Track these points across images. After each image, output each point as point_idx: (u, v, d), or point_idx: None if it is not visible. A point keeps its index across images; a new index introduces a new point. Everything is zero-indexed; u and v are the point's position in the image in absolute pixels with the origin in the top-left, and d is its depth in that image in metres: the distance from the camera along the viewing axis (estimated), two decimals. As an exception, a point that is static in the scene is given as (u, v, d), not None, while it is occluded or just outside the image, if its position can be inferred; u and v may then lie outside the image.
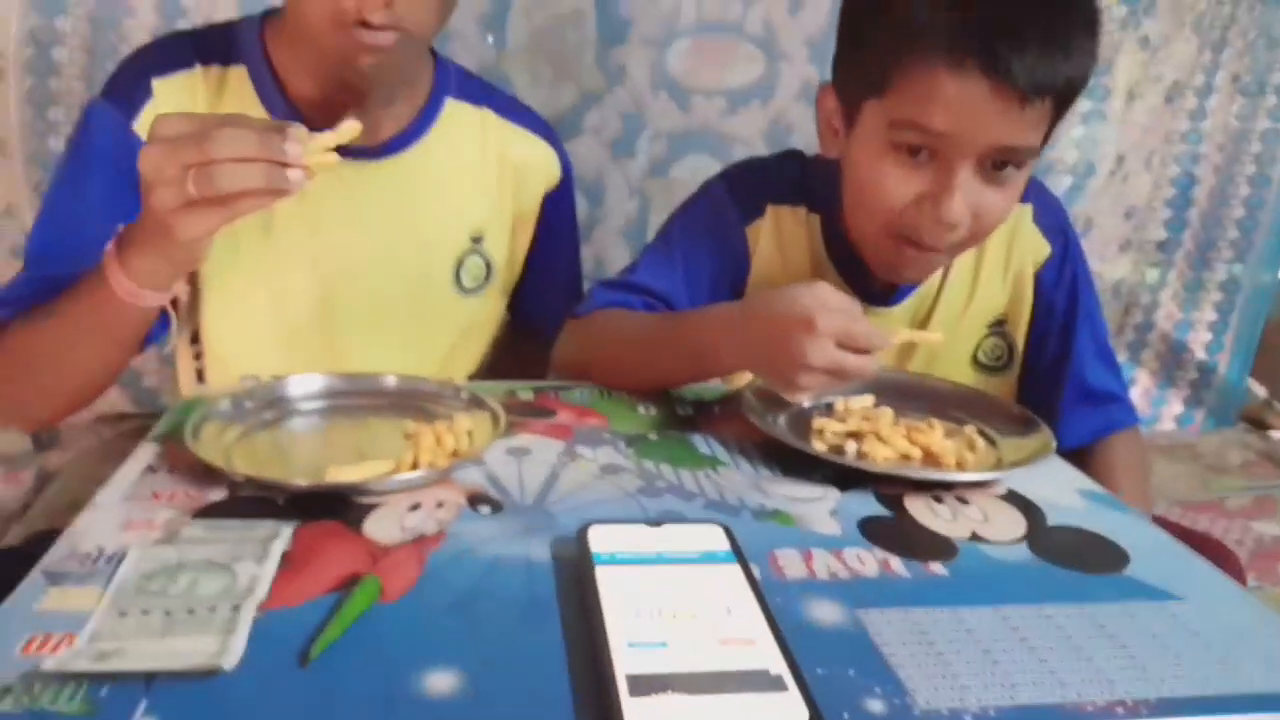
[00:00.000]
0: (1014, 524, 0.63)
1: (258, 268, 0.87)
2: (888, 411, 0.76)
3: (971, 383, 0.95)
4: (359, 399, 0.74)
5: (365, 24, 0.74)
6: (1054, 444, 0.72)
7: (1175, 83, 1.71)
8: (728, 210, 0.94)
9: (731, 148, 1.55)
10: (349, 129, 0.63)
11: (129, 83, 0.83)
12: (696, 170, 1.54)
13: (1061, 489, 0.69)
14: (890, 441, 0.71)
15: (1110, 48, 1.64)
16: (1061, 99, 0.76)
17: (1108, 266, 1.79)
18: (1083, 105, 1.66)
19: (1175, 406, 1.87)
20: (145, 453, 0.65)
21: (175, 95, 0.83)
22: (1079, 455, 0.93)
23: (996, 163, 0.77)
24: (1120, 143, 1.72)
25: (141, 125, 0.82)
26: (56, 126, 1.31)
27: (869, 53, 0.80)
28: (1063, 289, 0.96)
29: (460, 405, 0.72)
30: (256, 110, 0.85)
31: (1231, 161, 1.77)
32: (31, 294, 0.79)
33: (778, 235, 0.93)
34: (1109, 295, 1.80)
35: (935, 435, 0.72)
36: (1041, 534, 0.62)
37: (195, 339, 0.91)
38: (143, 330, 0.77)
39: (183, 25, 1.32)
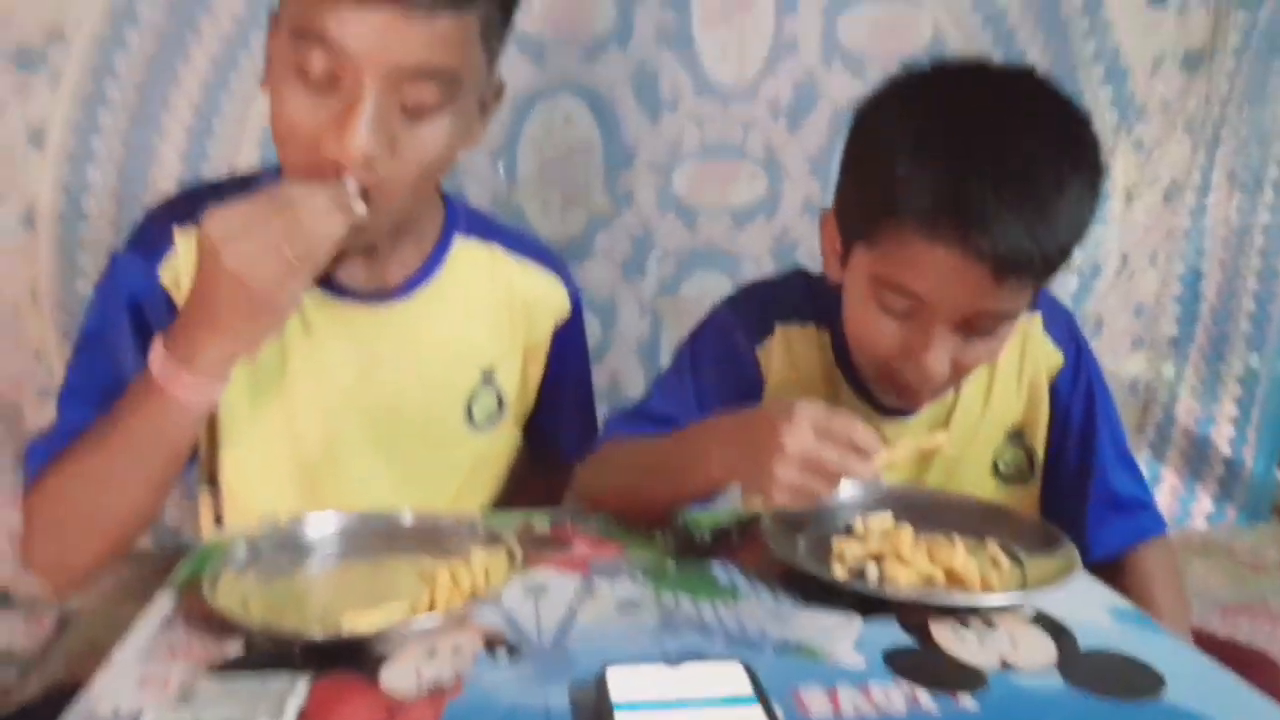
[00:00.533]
0: (1044, 649, 0.61)
1: (272, 412, 0.89)
2: (908, 530, 0.75)
3: (993, 494, 0.95)
4: (375, 538, 0.74)
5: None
6: (1079, 561, 0.71)
7: (1173, 181, 1.75)
8: (736, 335, 0.95)
9: (739, 263, 1.59)
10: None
11: (153, 233, 0.86)
12: (706, 287, 1.57)
13: (1091, 608, 0.68)
14: (912, 562, 0.70)
15: (1105, 151, 1.68)
16: (1047, 267, 0.76)
17: (1122, 364, 1.79)
18: (1083, 207, 1.69)
19: (1205, 504, 1.83)
20: (162, 603, 0.65)
21: (196, 244, 0.86)
22: (1108, 567, 0.91)
23: (974, 325, 0.78)
24: (1123, 242, 1.75)
25: (165, 272, 0.84)
26: (85, 272, 1.35)
27: (858, 202, 0.81)
28: (1079, 396, 0.96)
29: (477, 541, 0.72)
30: None
31: (1236, 256, 1.78)
32: (72, 435, 0.79)
33: (789, 354, 0.94)
34: (1126, 393, 1.79)
35: (957, 553, 0.71)
36: (1073, 659, 0.60)
37: (213, 481, 0.91)
38: (189, 441, 0.78)
39: (207, 174, 1.38)
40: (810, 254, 1.50)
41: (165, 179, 1.37)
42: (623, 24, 1.49)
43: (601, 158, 1.53)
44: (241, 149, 1.40)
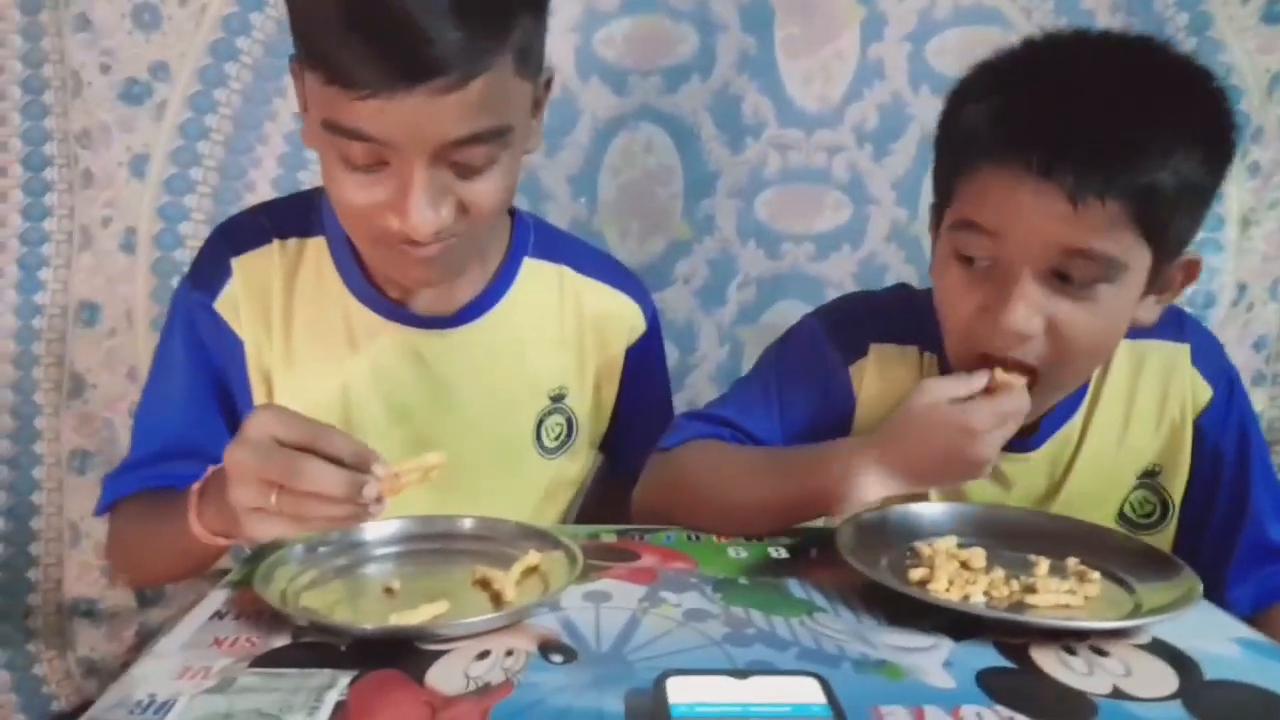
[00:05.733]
0: (1163, 678, 0.54)
1: None
2: (979, 552, 0.69)
3: None
4: (434, 542, 0.71)
5: (411, 242, 0.73)
6: (1200, 588, 0.63)
7: (1293, 208, 1.63)
8: (826, 350, 0.89)
9: (823, 291, 1.53)
10: (434, 463, 0.63)
11: (210, 265, 0.86)
12: (788, 315, 1.51)
13: (1214, 638, 0.60)
14: (993, 588, 0.65)
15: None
16: (1138, 205, 0.68)
17: (1242, 402, 1.66)
18: (1194, 235, 1.59)
19: (1340, 556, 1.67)
20: (215, 598, 0.63)
21: (254, 271, 0.85)
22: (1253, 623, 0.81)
23: (1065, 272, 0.71)
24: (1239, 271, 1.63)
25: (223, 305, 0.84)
26: (178, 294, 1.39)
27: (940, 167, 0.79)
28: (1230, 437, 0.85)
29: (537, 547, 0.69)
30: (333, 280, 0.86)
31: (1366, 286, 1.64)
32: (139, 470, 0.85)
33: (883, 377, 0.87)
34: (1247, 433, 1.66)
35: (1039, 571, 0.66)
36: (1197, 689, 0.53)
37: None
38: (219, 553, 0.78)
39: (295, 197, 1.41)
40: (896, 280, 1.44)
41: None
42: (704, 52, 1.48)
43: (682, 184, 1.51)
44: (329, 176, 1.43)
